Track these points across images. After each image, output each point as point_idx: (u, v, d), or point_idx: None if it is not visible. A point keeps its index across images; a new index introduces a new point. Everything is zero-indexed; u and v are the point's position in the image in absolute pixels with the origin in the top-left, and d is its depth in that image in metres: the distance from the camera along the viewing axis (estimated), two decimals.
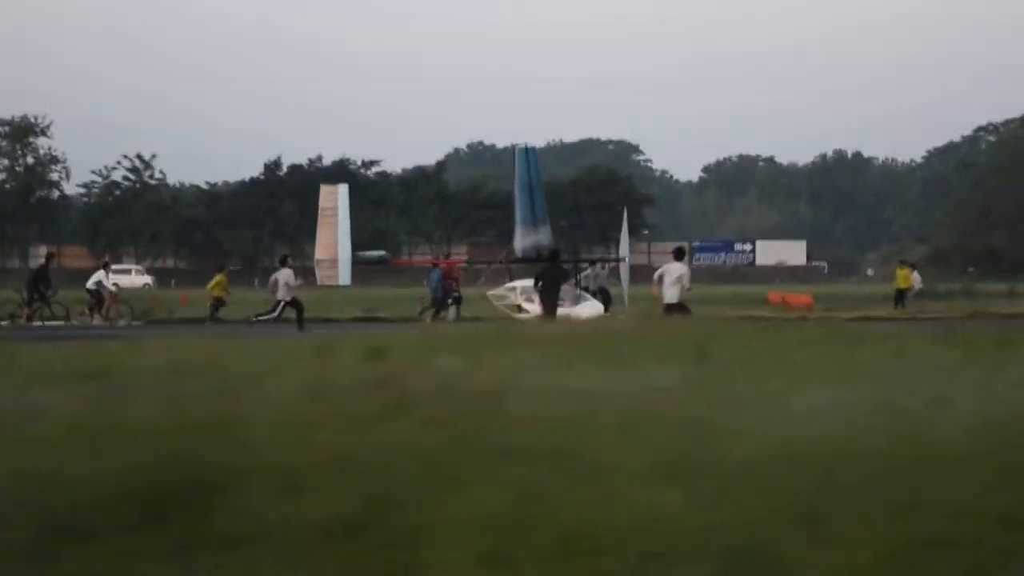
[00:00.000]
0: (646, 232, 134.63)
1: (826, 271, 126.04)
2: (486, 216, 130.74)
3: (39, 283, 41.33)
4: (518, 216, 41.27)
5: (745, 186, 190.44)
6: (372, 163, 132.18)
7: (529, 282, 40.14)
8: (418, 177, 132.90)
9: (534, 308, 37.18)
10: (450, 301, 39.58)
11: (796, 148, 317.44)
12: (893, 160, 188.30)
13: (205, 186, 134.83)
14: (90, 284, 41.77)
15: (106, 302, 41.29)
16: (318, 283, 43.51)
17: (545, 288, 34.44)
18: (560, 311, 36.24)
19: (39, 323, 39.97)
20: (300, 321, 35.48)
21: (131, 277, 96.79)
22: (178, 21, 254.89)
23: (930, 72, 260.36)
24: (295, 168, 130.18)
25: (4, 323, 40.19)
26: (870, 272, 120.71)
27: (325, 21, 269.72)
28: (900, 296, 43.51)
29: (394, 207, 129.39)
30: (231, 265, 62.89)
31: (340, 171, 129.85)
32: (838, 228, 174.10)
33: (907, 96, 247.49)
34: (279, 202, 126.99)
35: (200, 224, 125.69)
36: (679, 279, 28.65)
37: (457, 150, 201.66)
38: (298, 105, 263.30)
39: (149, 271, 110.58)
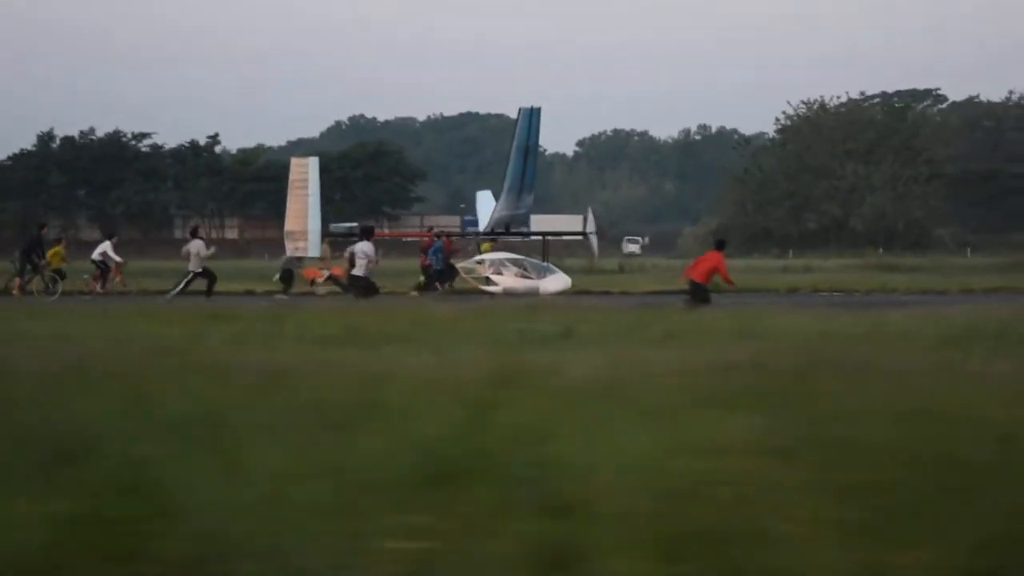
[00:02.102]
0: (404, 210, 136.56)
1: (640, 247, 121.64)
2: (257, 189, 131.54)
3: (32, 253, 41.55)
4: (507, 180, 42.42)
5: (618, 161, 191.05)
6: (144, 135, 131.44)
7: (497, 255, 42.17)
8: (190, 150, 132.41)
9: (502, 280, 39.65)
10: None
11: (671, 122, 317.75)
12: (763, 134, 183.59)
13: None
14: (96, 255, 41.76)
15: (111, 272, 41.46)
16: (287, 255, 44.31)
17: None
18: (528, 284, 39.27)
19: (31, 293, 40.78)
20: (209, 290, 36.13)
21: None
22: None
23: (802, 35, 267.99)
24: (67, 140, 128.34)
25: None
26: (635, 249, 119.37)
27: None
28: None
29: (167, 180, 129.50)
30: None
31: (113, 143, 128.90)
32: (701, 203, 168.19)
33: (776, 64, 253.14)
34: (48, 174, 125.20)
35: None
36: (364, 255, 33.16)
37: (339, 123, 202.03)
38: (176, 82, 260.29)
39: None
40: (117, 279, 41.66)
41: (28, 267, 41.45)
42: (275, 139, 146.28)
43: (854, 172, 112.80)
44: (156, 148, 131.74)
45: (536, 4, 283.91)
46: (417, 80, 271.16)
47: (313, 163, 45.34)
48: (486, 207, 47.37)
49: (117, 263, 41.86)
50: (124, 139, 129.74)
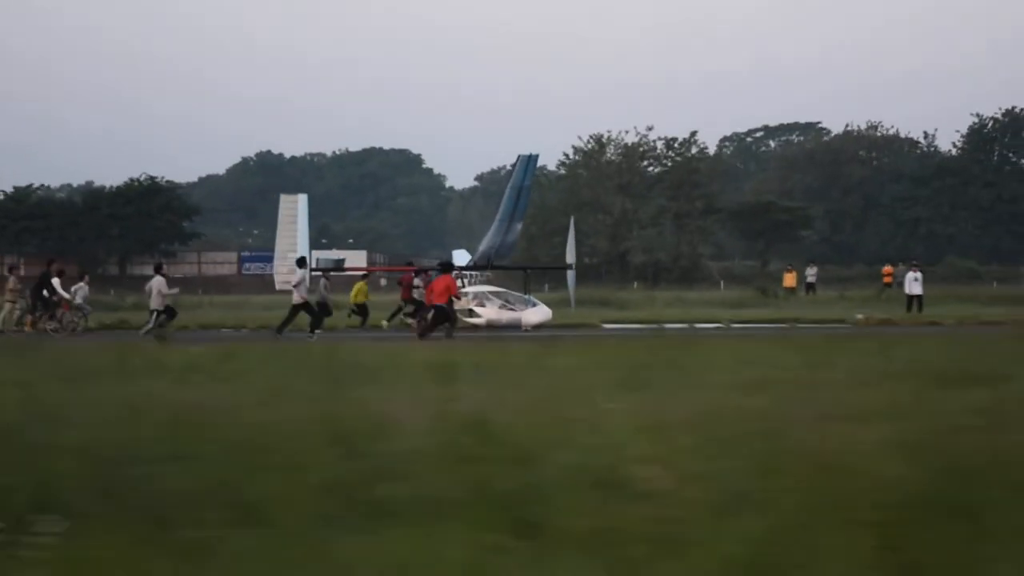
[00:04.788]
0: (182, 246, 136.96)
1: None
2: (30, 226, 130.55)
3: (43, 290, 43.37)
4: (499, 213, 44.97)
5: None
6: None
7: (480, 288, 44.18)
8: None
9: (485, 312, 41.84)
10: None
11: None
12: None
13: None
14: (44, 291, 42.18)
15: (60, 308, 42.21)
16: (277, 288, 46.48)
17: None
18: (511, 315, 41.84)
19: (44, 331, 42.70)
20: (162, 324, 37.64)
21: None
22: None
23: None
24: None
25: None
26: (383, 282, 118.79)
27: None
28: None
29: None
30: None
31: None
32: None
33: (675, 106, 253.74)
34: None
35: None
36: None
37: (246, 159, 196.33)
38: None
39: None
40: (67, 315, 42.37)
41: (39, 304, 43.48)
42: (184, 176, 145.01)
43: (622, 206, 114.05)
44: None
45: (451, 42, 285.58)
46: (328, 115, 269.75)
47: (302, 200, 46.92)
48: (463, 262, 50.92)
49: (65, 299, 42.46)
50: None
